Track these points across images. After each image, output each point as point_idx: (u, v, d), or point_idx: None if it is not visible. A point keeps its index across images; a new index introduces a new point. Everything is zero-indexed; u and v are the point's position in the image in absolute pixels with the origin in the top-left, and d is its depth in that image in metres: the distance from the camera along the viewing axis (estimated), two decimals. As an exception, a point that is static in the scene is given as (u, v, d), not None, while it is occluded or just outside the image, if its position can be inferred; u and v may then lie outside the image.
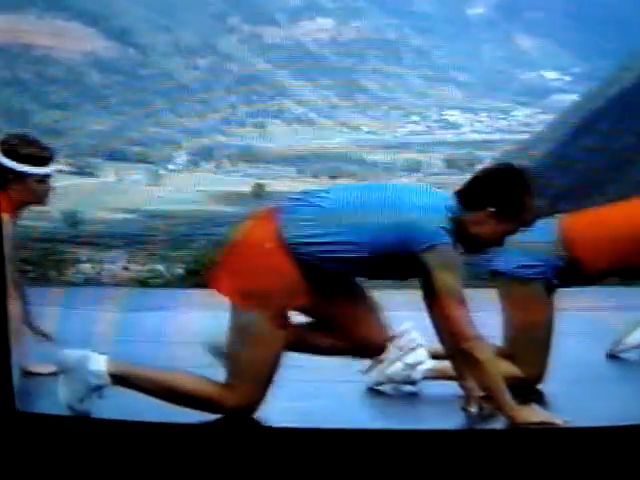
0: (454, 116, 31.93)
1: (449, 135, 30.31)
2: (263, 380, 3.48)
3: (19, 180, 4.02)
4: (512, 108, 30.40)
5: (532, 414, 3.39)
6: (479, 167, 4.67)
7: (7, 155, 3.99)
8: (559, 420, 3.36)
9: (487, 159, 25.26)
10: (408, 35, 32.76)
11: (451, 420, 3.57)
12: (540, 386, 3.92)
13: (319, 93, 29.12)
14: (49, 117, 31.11)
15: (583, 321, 4.57)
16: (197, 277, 11.39)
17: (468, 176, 3.53)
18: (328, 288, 3.49)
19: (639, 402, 3.65)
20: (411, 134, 29.83)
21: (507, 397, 3.39)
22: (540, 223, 3.68)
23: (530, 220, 3.50)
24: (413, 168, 27.94)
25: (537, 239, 3.78)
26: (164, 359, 4.31)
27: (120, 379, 3.50)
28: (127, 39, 32.92)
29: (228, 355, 3.51)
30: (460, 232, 3.39)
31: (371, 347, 3.61)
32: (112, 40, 32.71)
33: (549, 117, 29.09)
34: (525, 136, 28.22)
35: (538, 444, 3.14)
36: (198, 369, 3.91)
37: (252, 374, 3.44)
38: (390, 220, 3.38)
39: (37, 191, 4.07)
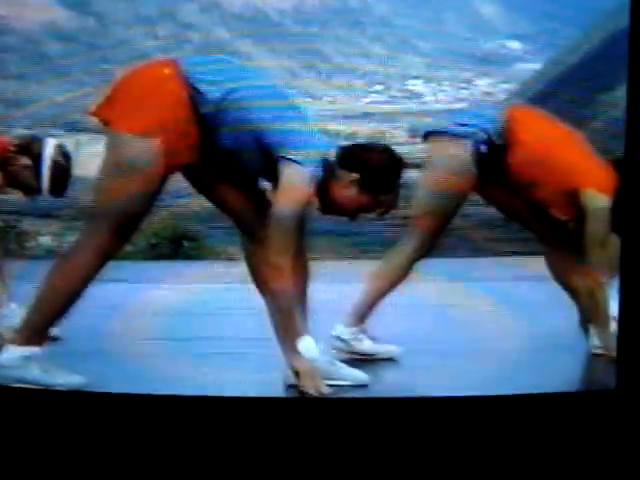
0: (417, 86, 31.84)
1: (412, 105, 30.24)
2: (127, 217, 3.32)
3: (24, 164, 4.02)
4: (474, 77, 30.34)
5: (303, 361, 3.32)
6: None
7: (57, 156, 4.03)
8: (322, 388, 3.34)
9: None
10: (371, 4, 32.62)
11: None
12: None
13: (280, 62, 28.90)
14: (7, 88, 30.64)
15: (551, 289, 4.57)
16: (158, 249, 11.27)
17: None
18: (219, 167, 3.43)
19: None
20: (374, 104, 29.70)
21: (295, 326, 3.35)
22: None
23: (388, 206, 3.55)
24: (376, 138, 27.87)
25: (484, 107, 3.91)
26: (124, 331, 4.27)
27: (34, 329, 3.37)
28: (86, 8, 32.51)
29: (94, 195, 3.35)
30: (322, 186, 3.43)
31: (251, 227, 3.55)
32: (70, 9, 32.30)
33: (511, 86, 29.08)
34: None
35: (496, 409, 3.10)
36: (157, 342, 3.84)
37: (117, 210, 3.30)
38: (280, 114, 3.38)
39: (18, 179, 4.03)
